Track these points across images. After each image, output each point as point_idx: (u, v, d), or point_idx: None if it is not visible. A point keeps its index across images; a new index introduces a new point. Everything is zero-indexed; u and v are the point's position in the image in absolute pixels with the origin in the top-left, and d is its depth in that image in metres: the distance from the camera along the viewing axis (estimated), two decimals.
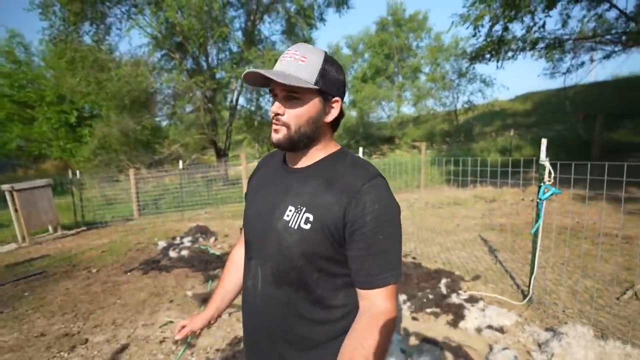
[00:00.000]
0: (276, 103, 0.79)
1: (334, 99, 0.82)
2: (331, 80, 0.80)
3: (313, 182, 0.81)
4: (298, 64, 0.76)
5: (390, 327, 0.74)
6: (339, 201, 0.76)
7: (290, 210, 0.80)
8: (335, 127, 0.88)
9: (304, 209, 0.78)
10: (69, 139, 15.69)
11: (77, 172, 7.81)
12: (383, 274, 0.75)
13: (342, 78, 0.83)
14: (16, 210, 5.62)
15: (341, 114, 0.86)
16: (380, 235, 0.75)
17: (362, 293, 0.78)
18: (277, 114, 0.79)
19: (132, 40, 36.75)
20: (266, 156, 1.04)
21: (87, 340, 2.64)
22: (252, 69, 0.76)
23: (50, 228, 6.35)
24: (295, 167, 0.87)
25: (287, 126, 0.79)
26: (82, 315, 3.07)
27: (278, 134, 0.80)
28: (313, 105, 0.79)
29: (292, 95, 0.77)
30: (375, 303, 0.75)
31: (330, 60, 0.80)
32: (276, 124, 0.80)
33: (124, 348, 2.51)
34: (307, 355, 0.83)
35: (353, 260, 0.78)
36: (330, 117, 0.83)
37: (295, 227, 0.78)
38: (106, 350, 2.50)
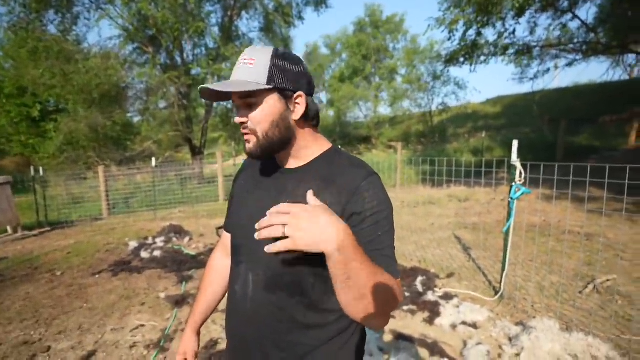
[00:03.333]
0: (238, 113, 0.78)
1: (296, 95, 0.77)
2: (286, 75, 0.75)
3: (309, 182, 0.79)
4: (248, 68, 0.74)
5: (396, 298, 0.70)
6: (338, 201, 0.74)
7: None
8: (315, 123, 0.84)
9: None
10: (32, 134, 14.74)
11: (41, 169, 7.36)
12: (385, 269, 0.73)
13: (300, 70, 0.78)
14: None
15: (314, 108, 0.81)
16: (379, 232, 0.73)
17: None
18: (242, 124, 0.78)
19: (101, 31, 35.13)
20: None
21: (49, 347, 2.49)
22: (203, 86, 0.74)
23: (9, 229, 5.94)
24: (288, 167, 0.84)
25: (254, 133, 0.77)
26: (44, 321, 2.89)
27: (249, 144, 0.79)
28: (272, 106, 0.76)
29: (248, 101, 0.75)
30: None
31: (281, 55, 0.76)
32: (246, 135, 0.78)
33: (90, 355, 2.38)
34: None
35: None
36: (297, 115, 0.78)
37: None
38: (71, 358, 2.35)
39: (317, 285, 0.78)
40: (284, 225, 0.60)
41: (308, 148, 0.83)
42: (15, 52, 11.71)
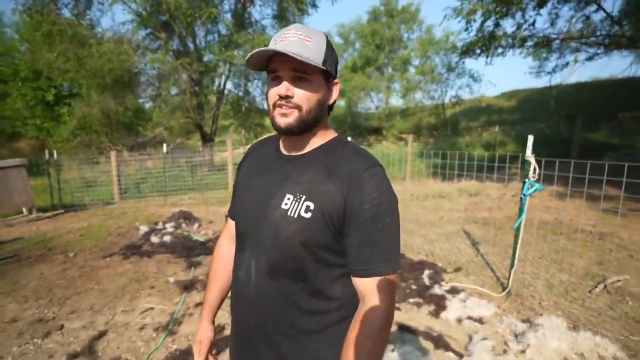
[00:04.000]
0: (284, 84, 0.75)
1: (334, 81, 0.82)
2: (332, 61, 0.79)
3: (313, 170, 0.79)
4: (304, 44, 0.73)
5: (385, 323, 0.72)
6: (341, 189, 0.74)
7: (289, 199, 0.78)
8: (330, 112, 0.86)
9: (304, 197, 0.76)
10: (46, 117, 15.00)
11: (55, 152, 7.49)
12: (378, 264, 0.74)
13: (337, 58, 0.83)
14: None
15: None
16: (378, 224, 0.73)
17: (357, 282, 0.77)
18: (286, 96, 0.75)
19: (115, 16, 35.34)
20: (256, 143, 1.00)
21: (62, 326, 2.57)
22: (262, 48, 0.71)
23: (24, 210, 6.10)
24: (292, 154, 0.84)
25: (299, 108, 0.76)
26: (57, 300, 2.98)
27: (288, 118, 0.76)
28: (320, 87, 0.78)
29: (301, 76, 0.74)
30: (370, 294, 0.74)
31: (329, 41, 0.79)
32: (285, 107, 0.75)
33: (101, 334, 2.45)
34: (302, 345, 0.81)
35: (349, 248, 0.76)
36: (331, 100, 0.82)
37: (295, 215, 0.76)
38: (83, 337, 2.43)
39: (319, 272, 0.79)
40: None
41: (319, 136, 0.83)
42: (30, 36, 11.82)
